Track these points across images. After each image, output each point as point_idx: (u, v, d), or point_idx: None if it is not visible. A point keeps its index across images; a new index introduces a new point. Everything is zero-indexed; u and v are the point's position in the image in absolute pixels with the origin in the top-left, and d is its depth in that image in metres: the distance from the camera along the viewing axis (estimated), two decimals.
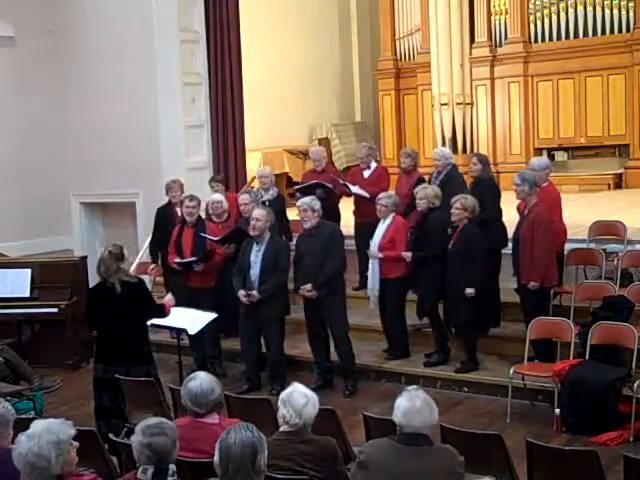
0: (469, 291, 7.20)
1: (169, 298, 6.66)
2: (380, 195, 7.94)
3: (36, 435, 3.42)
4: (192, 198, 8.26)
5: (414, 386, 4.01)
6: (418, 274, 7.68)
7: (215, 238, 8.10)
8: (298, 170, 12.59)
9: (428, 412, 3.81)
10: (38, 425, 3.50)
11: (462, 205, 7.28)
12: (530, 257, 7.12)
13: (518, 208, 7.67)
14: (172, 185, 9.04)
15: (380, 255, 7.68)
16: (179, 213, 8.76)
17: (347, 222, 9.17)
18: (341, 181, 9.06)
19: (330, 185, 8.91)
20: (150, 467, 3.47)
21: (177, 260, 8.11)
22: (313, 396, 4.14)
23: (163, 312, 6.51)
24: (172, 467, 3.52)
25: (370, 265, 7.90)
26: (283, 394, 4.13)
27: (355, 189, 8.92)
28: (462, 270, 7.19)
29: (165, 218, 9.00)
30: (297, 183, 10.45)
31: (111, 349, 6.32)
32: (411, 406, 3.79)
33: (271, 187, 8.99)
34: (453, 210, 7.31)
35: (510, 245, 7.59)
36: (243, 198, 8.31)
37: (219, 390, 4.39)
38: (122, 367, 6.17)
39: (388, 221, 7.76)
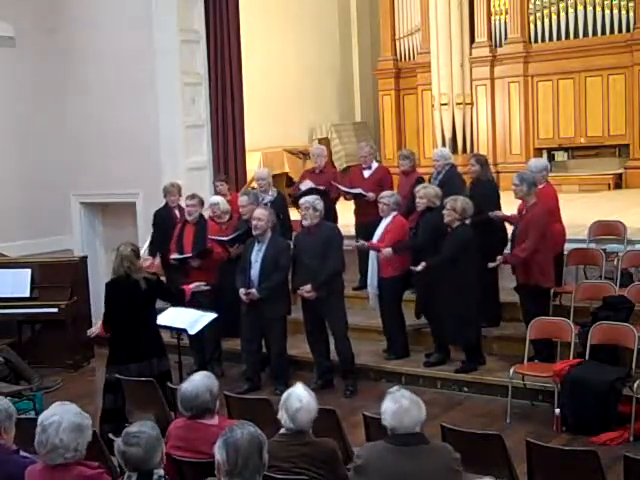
0: (420, 266, 7.23)
1: (195, 284, 7.00)
2: (382, 194, 7.94)
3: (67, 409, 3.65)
4: (192, 197, 8.30)
5: (396, 387, 3.98)
6: (414, 274, 7.69)
7: (225, 238, 8.11)
8: (298, 170, 12.58)
9: (416, 410, 3.80)
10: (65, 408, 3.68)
11: (451, 207, 7.26)
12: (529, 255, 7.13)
13: (519, 210, 7.67)
14: (170, 189, 9.03)
15: (366, 244, 7.71)
16: (178, 215, 8.80)
17: (346, 222, 9.15)
18: (342, 188, 9.05)
19: (322, 187, 8.83)
20: (134, 474, 3.46)
21: (174, 256, 8.13)
22: (309, 401, 4.06)
23: (183, 297, 6.81)
24: (158, 472, 3.48)
25: (370, 263, 7.90)
26: (284, 395, 4.12)
27: (355, 190, 8.92)
28: (452, 272, 7.18)
29: (164, 220, 9.00)
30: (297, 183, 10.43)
31: (127, 347, 6.35)
32: (398, 407, 3.78)
33: (269, 189, 8.96)
34: (444, 211, 7.31)
35: (509, 245, 7.60)
36: (242, 200, 8.29)
37: (207, 396, 4.28)
38: (138, 363, 6.25)
39: (388, 220, 7.76)
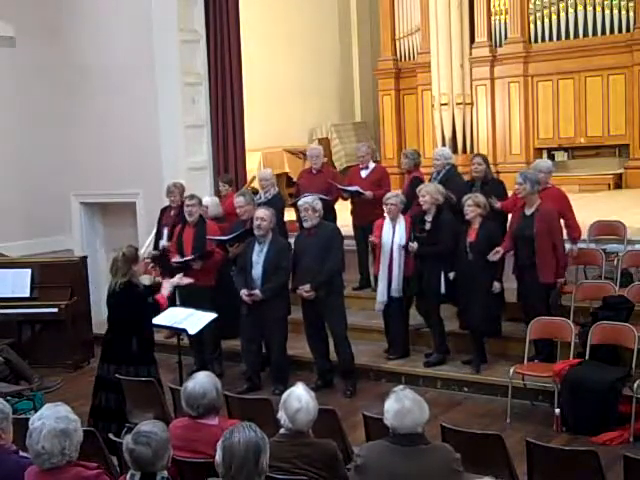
0: (497, 285, 7.31)
1: (164, 290, 6.72)
2: (388, 195, 7.93)
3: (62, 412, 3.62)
4: (192, 197, 8.30)
5: (400, 386, 3.99)
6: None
7: (225, 238, 8.10)
8: (298, 170, 12.57)
9: (418, 411, 3.81)
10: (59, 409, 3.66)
11: (475, 202, 7.37)
12: (551, 253, 7.19)
13: (516, 210, 7.68)
14: (172, 189, 9.02)
15: (415, 246, 7.58)
16: (171, 215, 8.90)
17: (344, 222, 9.12)
18: (339, 186, 9.03)
19: (327, 197, 8.72)
20: (137, 473, 3.44)
21: (175, 259, 8.13)
22: (309, 401, 4.05)
23: (158, 310, 6.58)
24: (162, 474, 3.46)
25: (387, 268, 7.74)
26: (284, 395, 4.12)
27: (352, 188, 8.90)
28: (487, 266, 7.27)
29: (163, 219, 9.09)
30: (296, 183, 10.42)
31: (108, 347, 6.46)
32: (400, 407, 3.79)
33: (272, 189, 8.92)
34: (466, 208, 7.39)
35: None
36: (238, 201, 8.25)
37: (214, 394, 4.28)
38: (115, 366, 6.26)
39: (402, 221, 7.74)
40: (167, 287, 6.76)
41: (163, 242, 8.88)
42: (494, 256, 7.26)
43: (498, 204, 7.94)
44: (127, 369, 6.22)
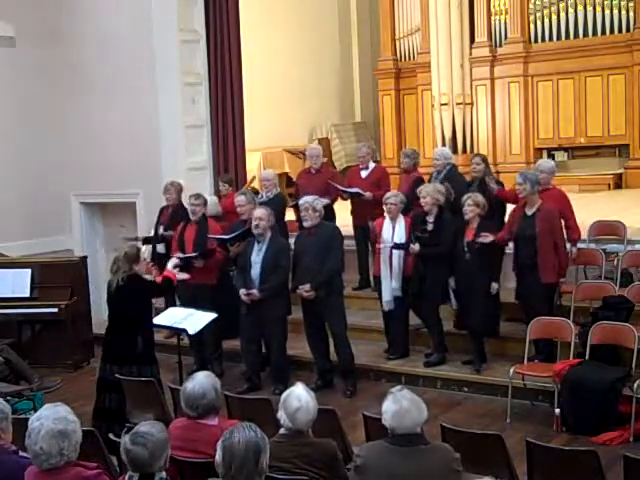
0: (495, 286, 7.31)
1: (170, 266, 6.76)
2: (387, 194, 7.93)
3: (62, 412, 3.62)
4: (198, 197, 8.30)
5: (398, 387, 4.00)
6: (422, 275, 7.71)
7: (226, 237, 8.10)
8: (298, 170, 12.57)
9: (416, 411, 3.82)
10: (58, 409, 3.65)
11: (474, 202, 7.38)
12: (553, 252, 7.20)
13: (514, 209, 7.69)
14: (169, 187, 9.04)
15: (417, 248, 7.55)
16: (168, 213, 8.94)
17: (344, 222, 9.10)
18: (339, 186, 9.01)
19: (326, 200, 8.71)
20: (135, 475, 3.43)
21: (178, 255, 8.12)
22: (309, 401, 4.05)
23: (171, 284, 6.64)
24: (160, 475, 3.45)
25: (388, 267, 7.74)
26: (283, 394, 4.12)
27: (353, 190, 8.89)
28: (485, 266, 7.28)
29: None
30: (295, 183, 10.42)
31: (108, 347, 6.47)
32: (398, 408, 3.80)
33: (274, 189, 8.91)
34: (466, 208, 7.39)
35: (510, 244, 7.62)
36: (239, 200, 8.25)
37: (213, 394, 4.27)
38: (118, 366, 6.26)
39: (402, 221, 7.75)
40: (172, 261, 6.84)
41: (161, 232, 8.90)
42: (484, 239, 7.24)
43: (495, 187, 7.96)
44: (130, 369, 6.22)
